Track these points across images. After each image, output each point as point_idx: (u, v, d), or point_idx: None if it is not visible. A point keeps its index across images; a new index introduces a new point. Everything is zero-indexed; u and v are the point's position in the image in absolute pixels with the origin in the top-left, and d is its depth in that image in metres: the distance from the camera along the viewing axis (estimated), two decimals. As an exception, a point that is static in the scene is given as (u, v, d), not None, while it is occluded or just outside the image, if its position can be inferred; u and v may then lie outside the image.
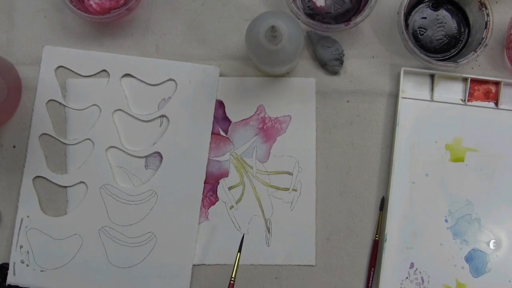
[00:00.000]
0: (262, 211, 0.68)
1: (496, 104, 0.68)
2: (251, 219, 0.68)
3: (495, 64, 0.69)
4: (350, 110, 0.69)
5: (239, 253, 0.61)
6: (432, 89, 0.68)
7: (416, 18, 0.69)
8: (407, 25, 0.69)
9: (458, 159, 0.68)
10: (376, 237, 0.67)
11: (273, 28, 0.54)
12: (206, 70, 0.69)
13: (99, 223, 0.68)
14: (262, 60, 0.61)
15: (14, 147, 0.69)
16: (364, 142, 0.68)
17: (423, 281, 0.66)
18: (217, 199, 0.68)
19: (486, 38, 0.64)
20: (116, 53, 0.70)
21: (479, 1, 0.65)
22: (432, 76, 0.69)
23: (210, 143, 0.68)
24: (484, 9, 0.65)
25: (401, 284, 0.66)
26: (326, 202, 0.68)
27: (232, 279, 0.60)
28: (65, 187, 0.69)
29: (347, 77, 0.69)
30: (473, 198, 0.67)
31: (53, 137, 0.69)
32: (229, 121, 0.69)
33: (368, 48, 0.69)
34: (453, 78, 0.68)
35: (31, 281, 0.67)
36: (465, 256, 0.67)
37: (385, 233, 0.66)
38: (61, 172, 0.69)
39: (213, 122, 0.69)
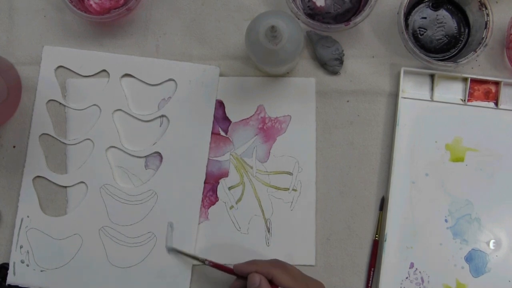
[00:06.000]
0: (262, 211, 0.68)
1: (496, 104, 0.68)
2: (251, 219, 0.68)
3: (495, 64, 0.69)
4: (350, 110, 0.69)
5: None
6: (432, 89, 0.68)
7: (416, 18, 0.69)
8: (407, 25, 0.69)
9: (458, 159, 0.68)
10: (376, 237, 0.67)
11: (273, 28, 0.55)
12: (206, 70, 0.69)
13: (99, 223, 0.68)
14: (262, 60, 0.61)
15: (14, 147, 0.69)
16: (364, 142, 0.68)
17: (423, 281, 0.66)
18: (217, 199, 0.68)
19: (486, 38, 0.64)
20: (116, 53, 0.70)
21: (479, 1, 0.65)
22: (432, 76, 0.69)
23: (210, 143, 0.68)
24: (484, 9, 0.65)
25: (401, 284, 0.66)
26: (326, 202, 0.68)
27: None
28: (65, 187, 0.69)
29: (347, 77, 0.69)
30: (473, 198, 0.67)
31: (53, 137, 0.69)
32: (229, 121, 0.69)
33: (368, 48, 0.69)
34: (453, 78, 0.68)
35: (31, 281, 0.67)
36: (465, 256, 0.67)
37: (385, 233, 0.66)
38: (61, 172, 0.69)
39: (213, 122, 0.69)
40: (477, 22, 0.67)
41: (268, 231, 0.68)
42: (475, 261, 0.67)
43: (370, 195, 0.68)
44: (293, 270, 0.60)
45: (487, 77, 0.68)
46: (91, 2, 0.70)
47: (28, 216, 0.68)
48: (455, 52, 0.69)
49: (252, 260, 0.61)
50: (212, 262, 0.63)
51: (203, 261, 0.64)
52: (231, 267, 0.61)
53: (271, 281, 0.58)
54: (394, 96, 0.69)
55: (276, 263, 0.61)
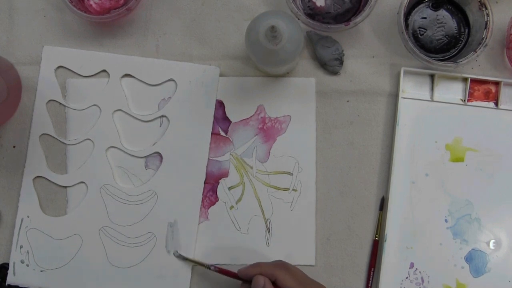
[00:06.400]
0: (262, 211, 0.68)
1: (496, 104, 0.68)
2: (251, 219, 0.68)
3: (495, 64, 0.69)
4: (350, 110, 0.69)
5: None
6: (432, 89, 0.68)
7: (416, 18, 0.69)
8: (407, 25, 0.69)
9: (458, 159, 0.68)
10: (376, 237, 0.67)
11: (273, 28, 0.54)
12: (206, 70, 0.69)
13: (99, 223, 0.68)
14: (262, 60, 0.61)
15: (14, 147, 0.69)
16: (364, 142, 0.68)
17: (423, 281, 0.66)
18: (217, 199, 0.68)
19: (486, 38, 0.64)
20: (116, 53, 0.70)
21: (479, 1, 0.65)
22: (432, 76, 0.69)
23: (210, 143, 0.68)
24: (484, 9, 0.65)
25: (401, 284, 0.66)
26: (326, 202, 0.68)
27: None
28: (65, 187, 0.69)
29: (347, 77, 0.69)
30: (473, 198, 0.67)
31: (53, 137, 0.69)
32: (229, 121, 0.69)
33: (368, 48, 0.69)
34: (453, 78, 0.68)
35: (31, 281, 0.67)
36: (465, 256, 0.67)
37: (385, 233, 0.66)
38: (61, 172, 0.69)
39: (213, 122, 0.69)
40: (477, 22, 0.67)
41: (268, 231, 0.68)
42: (475, 261, 0.67)
43: (370, 195, 0.68)
44: (297, 272, 0.60)
45: (487, 77, 0.68)
46: (91, 2, 0.70)
47: (28, 216, 0.68)
48: (455, 52, 0.69)
49: (256, 263, 0.61)
50: (218, 268, 0.63)
51: (208, 267, 0.64)
52: (235, 270, 0.61)
53: (274, 283, 0.58)
54: (394, 96, 0.69)
55: (279, 264, 0.61)
